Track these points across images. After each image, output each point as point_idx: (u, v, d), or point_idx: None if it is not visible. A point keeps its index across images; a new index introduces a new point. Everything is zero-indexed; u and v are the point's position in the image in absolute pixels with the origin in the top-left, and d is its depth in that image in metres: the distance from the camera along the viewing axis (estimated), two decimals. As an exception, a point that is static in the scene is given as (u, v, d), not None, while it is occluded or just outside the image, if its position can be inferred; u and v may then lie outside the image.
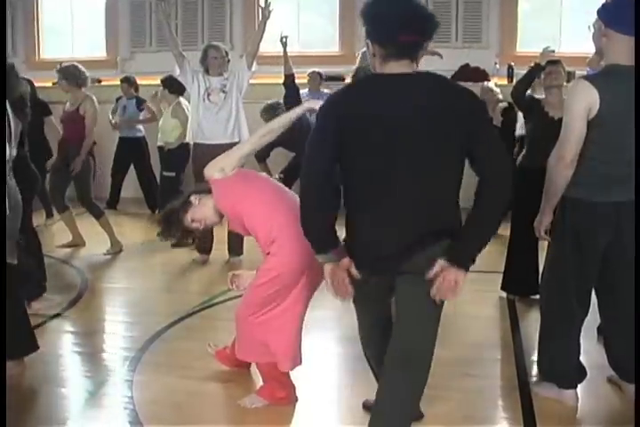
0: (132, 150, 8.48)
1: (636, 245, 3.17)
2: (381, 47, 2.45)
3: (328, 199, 2.55)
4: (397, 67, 2.46)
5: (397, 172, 2.46)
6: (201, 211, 3.40)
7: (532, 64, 4.82)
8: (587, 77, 3.15)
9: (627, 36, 2.99)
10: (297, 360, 3.39)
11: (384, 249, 2.54)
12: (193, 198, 3.41)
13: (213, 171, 3.27)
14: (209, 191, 3.36)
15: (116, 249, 6.54)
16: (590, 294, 3.36)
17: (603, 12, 3.06)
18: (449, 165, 2.50)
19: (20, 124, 5.30)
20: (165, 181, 7.29)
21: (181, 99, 7.26)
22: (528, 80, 4.86)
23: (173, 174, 7.18)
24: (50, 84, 8.80)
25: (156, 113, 8.20)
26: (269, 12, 5.93)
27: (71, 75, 6.20)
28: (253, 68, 6.09)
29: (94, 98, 6.37)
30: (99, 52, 9.87)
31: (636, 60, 3.03)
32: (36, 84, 8.54)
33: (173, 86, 7.15)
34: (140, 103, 8.40)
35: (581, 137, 3.09)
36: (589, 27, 3.14)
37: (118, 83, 8.72)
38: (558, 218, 3.29)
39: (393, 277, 2.63)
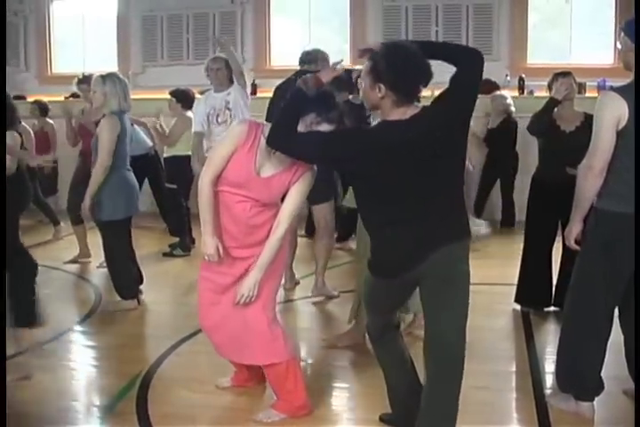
0: (143, 167, 8.30)
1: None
2: (397, 95, 2.73)
3: None
4: (404, 111, 2.76)
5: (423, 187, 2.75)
6: None
7: (548, 99, 4.75)
8: (615, 89, 3.20)
9: None
10: None
11: (409, 257, 2.79)
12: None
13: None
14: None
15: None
16: (614, 309, 3.33)
17: (628, 29, 3.16)
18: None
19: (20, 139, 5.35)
20: (168, 193, 7.32)
21: (189, 112, 7.23)
22: (544, 116, 4.76)
23: (174, 186, 7.15)
24: (62, 99, 8.83)
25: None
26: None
27: None
28: (248, 83, 6.09)
29: None
30: (110, 66, 9.88)
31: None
32: (48, 99, 8.58)
33: (182, 99, 7.11)
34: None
35: (610, 147, 3.12)
36: (617, 44, 3.25)
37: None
38: (589, 229, 3.28)
39: (415, 281, 2.86)
